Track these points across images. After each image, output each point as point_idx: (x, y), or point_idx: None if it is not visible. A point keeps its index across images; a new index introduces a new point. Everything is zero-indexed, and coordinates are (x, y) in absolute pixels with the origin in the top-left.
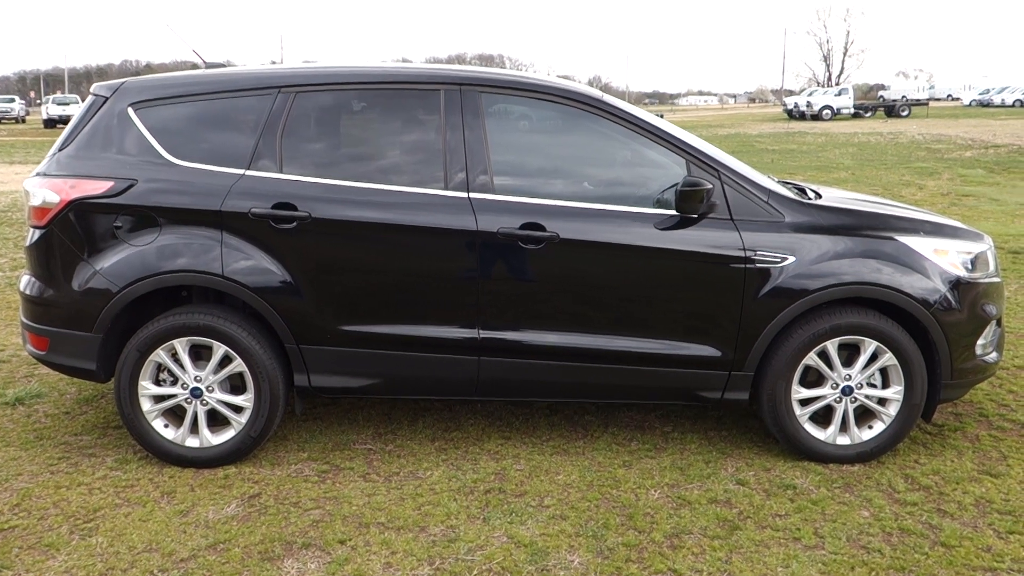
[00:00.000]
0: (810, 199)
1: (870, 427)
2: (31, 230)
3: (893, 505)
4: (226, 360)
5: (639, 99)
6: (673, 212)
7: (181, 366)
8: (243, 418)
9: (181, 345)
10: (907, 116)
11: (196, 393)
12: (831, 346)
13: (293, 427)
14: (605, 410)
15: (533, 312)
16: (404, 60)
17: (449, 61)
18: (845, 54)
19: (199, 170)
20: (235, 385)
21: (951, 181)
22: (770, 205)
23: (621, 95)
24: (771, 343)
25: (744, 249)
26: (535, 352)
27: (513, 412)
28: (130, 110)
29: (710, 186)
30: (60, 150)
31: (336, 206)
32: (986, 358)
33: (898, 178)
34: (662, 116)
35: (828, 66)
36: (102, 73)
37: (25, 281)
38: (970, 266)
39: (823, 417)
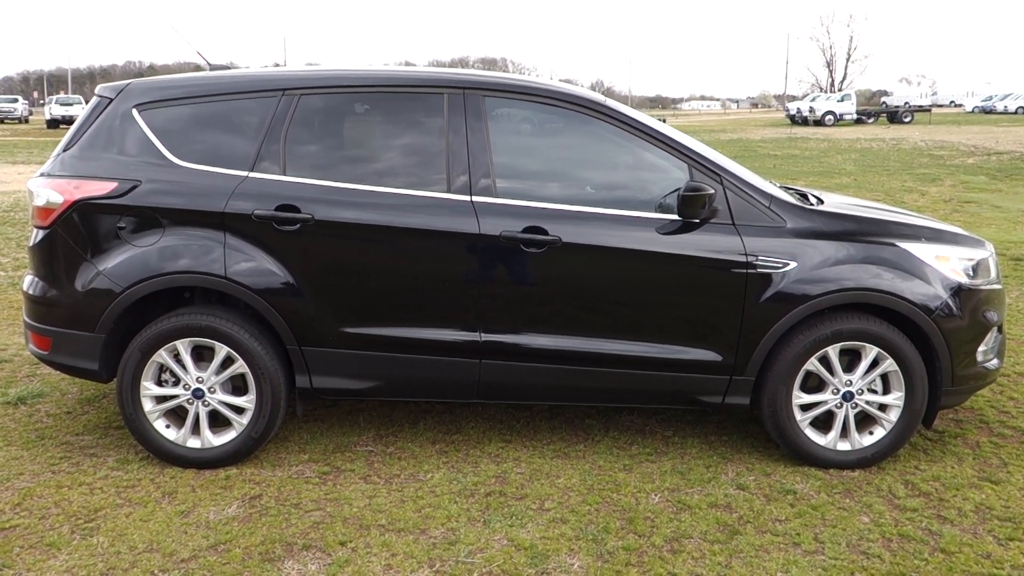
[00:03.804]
0: (812, 205)
1: (871, 433)
2: (35, 230)
3: (893, 511)
4: (228, 361)
5: (642, 103)
6: (675, 217)
7: (183, 367)
8: (244, 419)
9: (183, 346)
10: (910, 122)
11: (198, 394)
12: (832, 351)
13: (294, 428)
14: (606, 414)
15: (534, 315)
16: (407, 63)
17: (452, 65)
18: (848, 60)
19: (203, 172)
20: (237, 386)
21: (953, 188)
22: (772, 210)
23: (624, 99)
24: (772, 348)
25: (746, 254)
26: (536, 355)
27: (514, 415)
28: (135, 111)
29: (712, 191)
30: (64, 150)
31: (339, 208)
32: (987, 365)
33: (900, 184)
34: (664, 120)
35: (831, 72)
36: (106, 74)
37: (28, 281)
38: (972, 272)
39: (824, 422)
